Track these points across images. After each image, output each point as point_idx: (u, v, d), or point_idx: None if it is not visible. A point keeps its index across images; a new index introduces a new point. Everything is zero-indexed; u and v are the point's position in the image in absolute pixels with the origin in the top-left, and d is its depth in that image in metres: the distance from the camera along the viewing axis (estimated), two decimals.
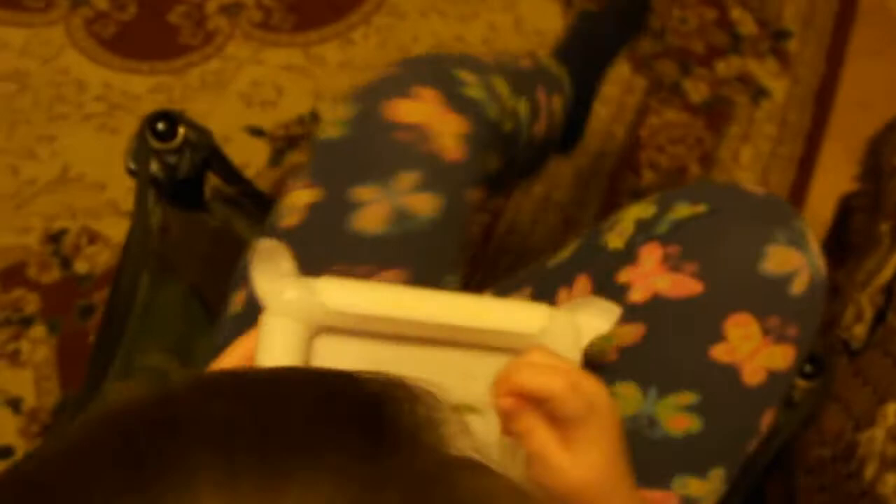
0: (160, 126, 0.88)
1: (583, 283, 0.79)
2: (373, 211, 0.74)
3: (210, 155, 0.91)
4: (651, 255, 0.74)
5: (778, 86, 1.53)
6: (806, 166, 1.49)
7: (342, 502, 0.30)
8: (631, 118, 1.48)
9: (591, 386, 0.59)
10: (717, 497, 0.75)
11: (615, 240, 0.78)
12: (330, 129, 0.77)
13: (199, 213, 0.93)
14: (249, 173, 1.35)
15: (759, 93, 1.52)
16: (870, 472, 0.75)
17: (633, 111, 1.49)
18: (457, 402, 0.62)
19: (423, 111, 0.76)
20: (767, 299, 0.72)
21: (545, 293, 0.82)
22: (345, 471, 0.31)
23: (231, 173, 0.93)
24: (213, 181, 0.95)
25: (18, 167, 1.33)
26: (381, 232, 0.74)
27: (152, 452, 0.30)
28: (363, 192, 0.74)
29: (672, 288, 0.73)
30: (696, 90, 1.51)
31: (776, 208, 0.76)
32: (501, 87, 0.86)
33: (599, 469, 0.59)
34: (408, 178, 0.74)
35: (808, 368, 0.79)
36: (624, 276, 0.75)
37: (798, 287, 0.73)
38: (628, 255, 0.76)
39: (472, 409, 0.63)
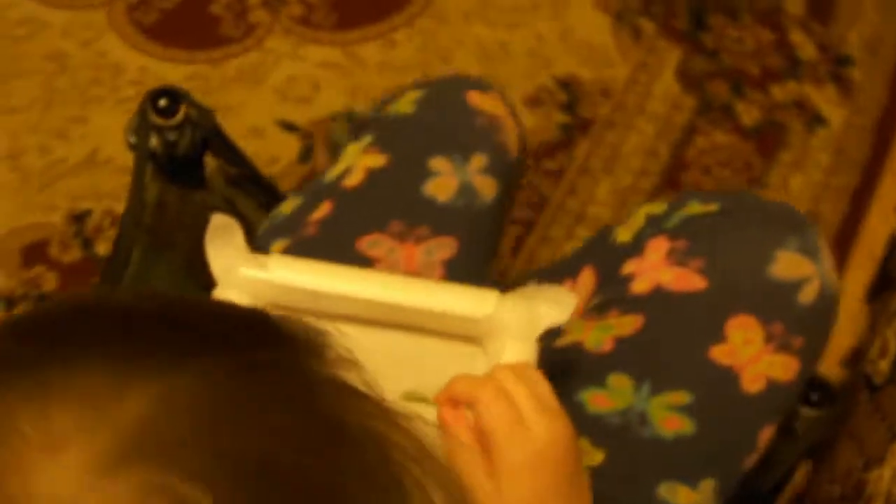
0: (162, 102, 0.86)
1: (587, 274, 0.79)
2: (444, 181, 0.77)
3: (211, 135, 0.89)
4: (658, 248, 0.73)
5: (836, 114, 1.46)
6: (861, 199, 1.42)
7: (207, 385, 0.32)
8: (676, 137, 1.43)
9: (543, 420, 0.57)
10: None
11: (624, 233, 0.77)
12: (404, 107, 0.81)
13: (198, 191, 0.91)
14: (279, 167, 1.33)
15: (815, 120, 1.45)
16: None
17: (679, 130, 1.43)
18: (408, 390, 0.59)
19: (496, 106, 0.81)
20: (773, 304, 0.70)
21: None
22: (218, 359, 0.33)
23: (232, 154, 0.91)
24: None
25: (49, 146, 1.33)
26: (446, 201, 0.76)
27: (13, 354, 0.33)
28: (437, 163, 0.77)
29: (675, 281, 0.71)
30: (748, 113, 1.45)
31: (791, 216, 0.74)
32: None
33: None
34: (479, 160, 0.77)
35: (814, 397, 0.74)
36: (629, 267, 0.74)
37: (806, 297, 0.70)
38: (635, 248, 0.75)
39: (423, 399, 0.60)
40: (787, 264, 0.70)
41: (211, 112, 0.89)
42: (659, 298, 0.71)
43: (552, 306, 0.63)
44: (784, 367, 0.69)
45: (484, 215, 0.78)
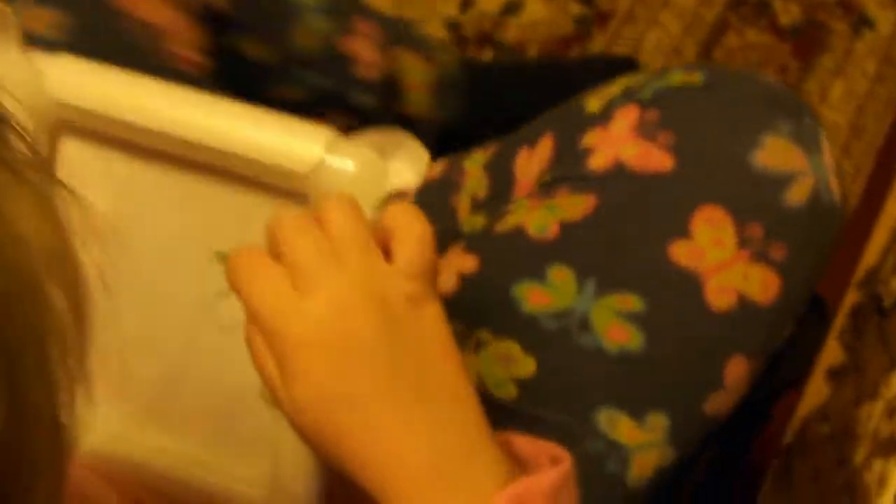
0: None
1: (545, 143, 0.67)
2: None
3: None
4: (625, 117, 0.61)
5: (884, 16, 1.32)
6: None
7: None
8: (705, 35, 1.30)
9: (353, 273, 0.46)
10: (656, 459, 0.59)
11: (594, 102, 0.65)
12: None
13: None
14: None
15: (860, 21, 1.31)
16: (860, 455, 0.58)
17: (708, 27, 1.30)
18: (220, 251, 0.52)
19: None
20: (751, 199, 0.58)
21: (504, 155, 0.70)
22: None
23: None
24: None
25: None
26: None
27: None
28: None
29: (638, 158, 0.60)
30: (787, 11, 1.32)
31: (788, 99, 0.61)
32: None
33: (327, 326, 0.45)
34: None
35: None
36: (590, 138, 0.63)
37: (795, 196, 0.58)
38: (602, 118, 0.63)
39: None
40: (774, 152, 0.58)
41: None
42: (616, 176, 0.60)
43: (405, 163, 0.50)
44: (762, 284, 0.58)
45: None
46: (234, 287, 0.47)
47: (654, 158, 0.59)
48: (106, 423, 0.56)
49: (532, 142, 0.68)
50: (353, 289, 0.45)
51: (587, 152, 0.62)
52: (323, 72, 0.84)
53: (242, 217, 0.52)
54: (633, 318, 0.58)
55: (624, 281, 0.59)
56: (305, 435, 0.46)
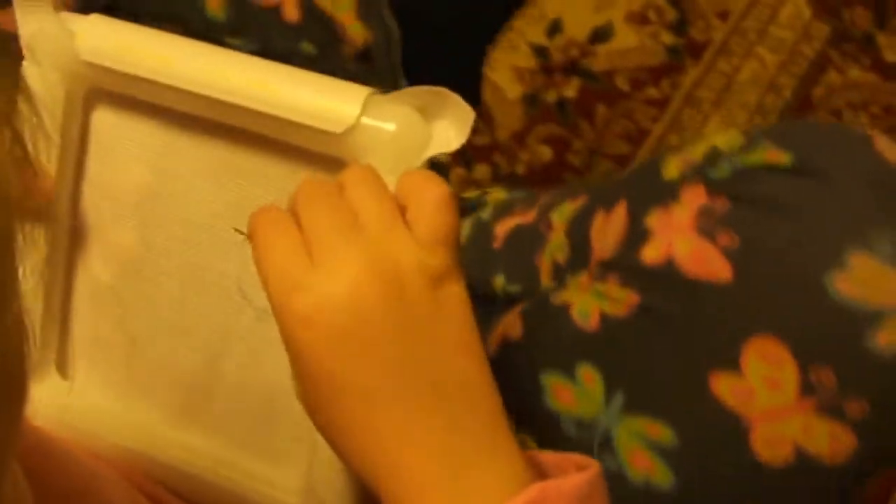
0: None
1: (619, 211, 0.58)
2: None
3: None
4: (690, 201, 0.52)
5: None
6: None
7: None
8: (803, 70, 1.23)
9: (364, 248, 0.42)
10: None
11: (673, 166, 0.56)
12: None
13: None
14: None
15: None
16: None
17: (807, 62, 1.24)
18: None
19: None
20: (822, 336, 0.47)
21: (584, 216, 0.62)
22: None
23: None
24: None
25: None
26: None
27: None
28: None
29: (691, 259, 0.50)
30: (893, 47, 1.25)
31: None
32: None
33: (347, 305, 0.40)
34: None
35: None
36: (652, 218, 0.54)
37: (884, 339, 0.46)
38: (671, 192, 0.54)
39: None
40: (860, 277, 0.46)
41: None
42: (664, 276, 0.51)
43: (449, 123, 0.46)
44: (830, 439, 0.47)
45: None
46: (252, 248, 0.43)
47: (710, 263, 0.50)
48: (132, 416, 0.54)
49: (608, 206, 0.59)
50: (367, 264, 0.40)
51: (645, 236, 0.53)
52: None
53: (279, 191, 0.49)
54: (661, 450, 0.50)
55: (655, 404, 0.51)
56: (314, 422, 0.43)
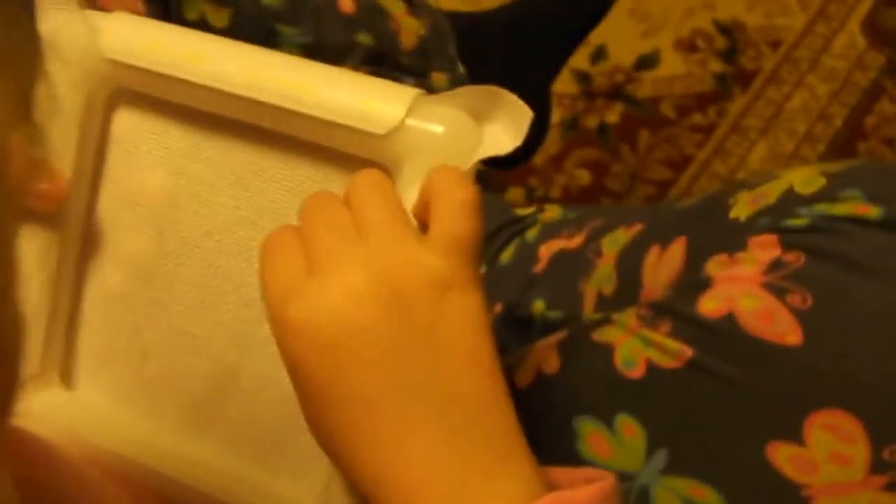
0: None
1: (676, 249, 0.54)
2: None
3: None
4: (760, 253, 0.48)
5: None
6: None
7: None
8: (855, 99, 1.21)
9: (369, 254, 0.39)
10: None
11: (743, 204, 0.51)
12: None
13: None
14: None
15: None
16: None
17: (860, 91, 1.21)
18: None
19: None
20: None
21: (636, 250, 0.58)
22: None
23: None
24: None
25: None
26: None
27: None
28: None
29: (756, 317, 0.46)
30: None
31: None
32: None
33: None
34: None
35: None
36: (714, 264, 0.49)
37: None
38: (738, 235, 0.49)
39: None
40: None
41: None
42: (723, 333, 0.47)
43: (503, 125, 0.42)
44: None
45: None
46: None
47: (777, 324, 0.45)
48: (139, 429, 0.52)
49: (665, 241, 0.55)
50: (365, 273, 0.38)
51: (705, 284, 0.49)
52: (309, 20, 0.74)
53: (300, 189, 0.47)
54: None
55: (703, 468, 0.47)
56: (314, 436, 0.41)
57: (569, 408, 0.51)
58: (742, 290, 0.47)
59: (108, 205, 0.52)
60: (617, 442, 0.49)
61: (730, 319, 0.46)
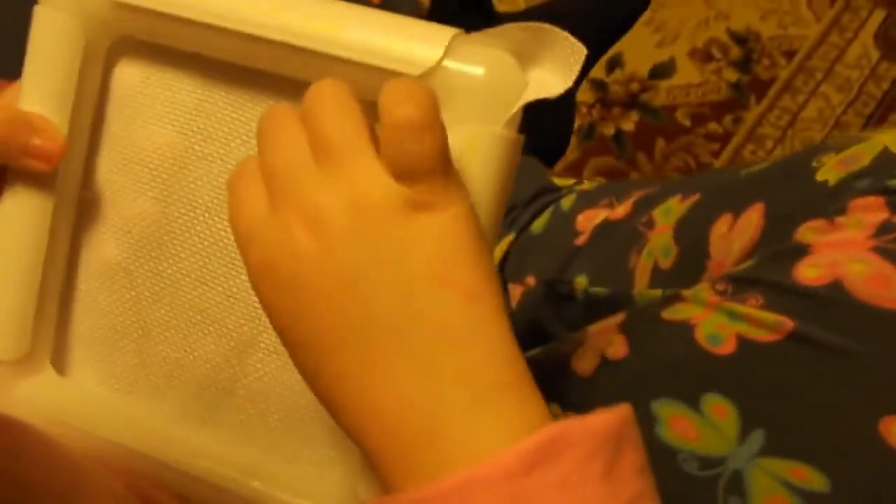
0: None
1: (752, 216, 0.51)
2: None
3: None
4: (865, 215, 0.45)
5: None
6: None
7: None
8: (869, 109, 1.21)
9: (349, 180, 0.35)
10: None
11: (831, 167, 0.48)
12: None
13: None
14: None
15: None
16: None
17: (873, 102, 1.22)
18: None
19: None
20: None
21: (701, 219, 0.55)
22: None
23: None
24: None
25: None
26: None
27: None
28: None
29: (868, 283, 0.43)
30: None
31: None
32: None
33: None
34: None
35: None
36: (809, 230, 0.46)
37: None
38: (833, 199, 0.46)
39: None
40: None
41: None
42: (831, 302, 0.44)
43: (551, 67, 0.38)
44: None
45: None
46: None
47: (891, 288, 0.42)
48: (140, 415, 0.47)
49: (738, 209, 0.51)
50: (326, 200, 0.34)
51: (801, 251, 0.45)
52: None
53: None
54: (808, 497, 0.43)
55: (805, 447, 0.43)
56: (313, 391, 0.37)
57: (644, 392, 0.47)
58: (848, 256, 0.44)
59: (108, 166, 0.47)
60: (705, 423, 0.45)
61: (836, 286, 0.43)
